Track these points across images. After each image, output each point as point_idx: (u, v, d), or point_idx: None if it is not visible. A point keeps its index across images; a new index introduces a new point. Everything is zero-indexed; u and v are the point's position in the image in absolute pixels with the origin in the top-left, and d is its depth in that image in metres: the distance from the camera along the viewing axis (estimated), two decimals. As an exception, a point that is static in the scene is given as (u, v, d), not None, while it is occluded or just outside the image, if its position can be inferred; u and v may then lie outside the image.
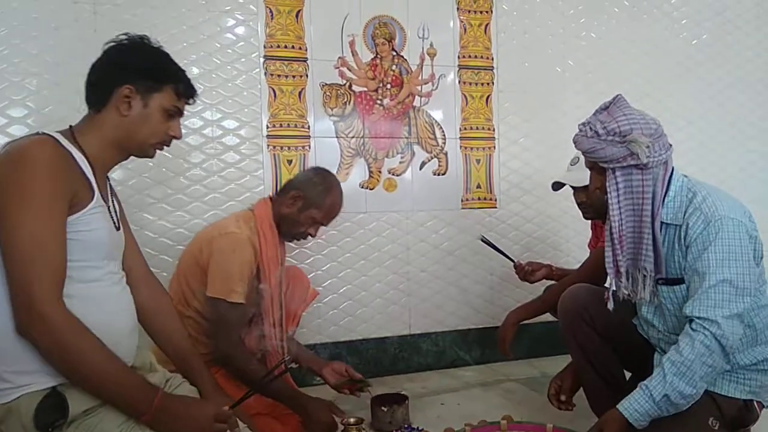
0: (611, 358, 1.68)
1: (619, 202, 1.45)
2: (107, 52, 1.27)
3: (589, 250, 2.48)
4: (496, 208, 2.88)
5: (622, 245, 1.47)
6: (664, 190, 1.42)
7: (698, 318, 1.31)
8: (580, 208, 2.17)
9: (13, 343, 1.06)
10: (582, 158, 2.08)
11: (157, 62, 1.27)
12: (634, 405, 1.35)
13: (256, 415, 1.73)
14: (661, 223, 1.42)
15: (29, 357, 1.06)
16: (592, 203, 2.08)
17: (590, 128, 1.45)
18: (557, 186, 2.18)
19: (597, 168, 1.51)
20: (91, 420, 1.10)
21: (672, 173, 1.46)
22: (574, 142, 1.52)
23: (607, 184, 1.46)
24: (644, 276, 1.46)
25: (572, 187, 2.15)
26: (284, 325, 1.94)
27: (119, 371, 1.10)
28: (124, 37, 1.27)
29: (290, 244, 2.50)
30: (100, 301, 1.16)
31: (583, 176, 2.08)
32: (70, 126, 1.25)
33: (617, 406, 1.37)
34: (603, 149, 1.43)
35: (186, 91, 1.31)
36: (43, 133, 1.15)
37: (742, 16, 3.28)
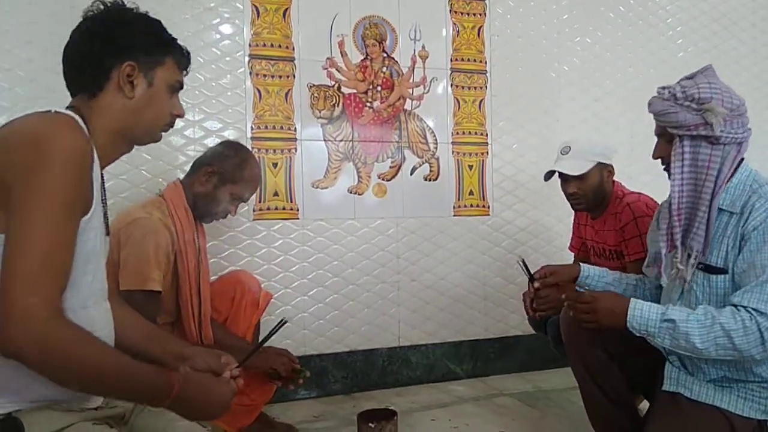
0: (620, 377, 1.60)
1: (682, 173, 1.38)
2: (91, 26, 1.08)
3: (572, 253, 2.40)
4: (489, 215, 2.80)
5: (679, 219, 1.40)
6: (730, 173, 1.34)
7: (749, 308, 1.23)
8: (570, 200, 2.07)
9: None
10: (573, 146, 2.01)
11: (153, 32, 1.11)
12: (644, 306, 1.32)
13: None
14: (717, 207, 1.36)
15: None
16: (585, 194, 2.00)
17: (669, 91, 1.38)
18: (549, 176, 2.09)
19: (666, 135, 1.42)
20: None
21: (742, 161, 1.38)
22: (648, 104, 1.45)
23: (673, 152, 1.39)
24: (689, 255, 1.39)
25: (562, 178, 2.05)
26: (203, 315, 1.79)
27: (132, 369, 0.98)
28: (101, 6, 1.09)
29: (276, 249, 2.45)
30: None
31: (576, 164, 1.99)
32: (75, 107, 1.03)
33: (631, 298, 1.34)
34: (676, 113, 1.35)
35: (185, 61, 1.18)
36: (60, 113, 0.97)
37: (738, 24, 3.25)
